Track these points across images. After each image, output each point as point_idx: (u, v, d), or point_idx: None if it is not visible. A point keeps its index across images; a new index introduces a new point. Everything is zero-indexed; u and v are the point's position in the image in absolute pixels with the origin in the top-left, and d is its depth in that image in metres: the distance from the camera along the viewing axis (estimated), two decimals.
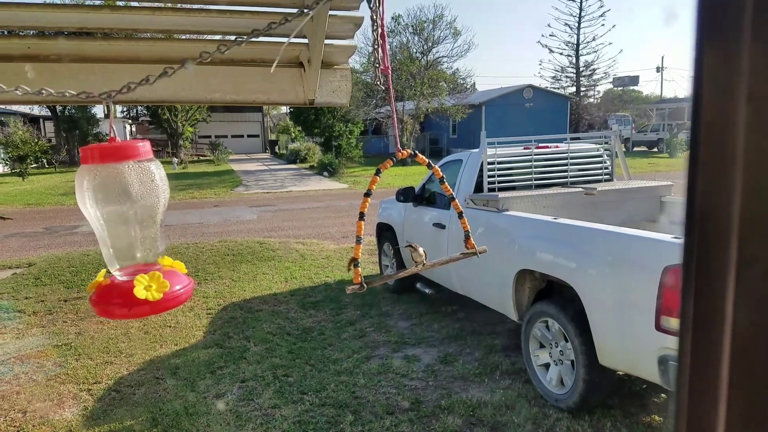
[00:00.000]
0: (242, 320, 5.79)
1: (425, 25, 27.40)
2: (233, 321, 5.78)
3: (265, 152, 43.92)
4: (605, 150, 5.65)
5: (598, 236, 3.60)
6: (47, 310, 6.33)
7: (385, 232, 6.76)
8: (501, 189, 5.02)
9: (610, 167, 5.63)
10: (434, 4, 51.86)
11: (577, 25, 37.51)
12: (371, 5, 1.09)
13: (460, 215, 1.39)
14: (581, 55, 38.26)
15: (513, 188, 5.12)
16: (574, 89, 38.45)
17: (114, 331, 5.54)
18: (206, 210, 14.69)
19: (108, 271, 1.12)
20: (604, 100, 40.02)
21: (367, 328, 5.46)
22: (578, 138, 6.78)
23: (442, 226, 5.27)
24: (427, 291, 5.87)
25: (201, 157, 35.64)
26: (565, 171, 5.38)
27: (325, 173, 23.51)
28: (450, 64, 30.12)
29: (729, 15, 0.39)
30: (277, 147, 41.23)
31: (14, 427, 3.82)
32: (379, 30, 1.07)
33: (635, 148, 34.11)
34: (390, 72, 1.20)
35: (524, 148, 5.40)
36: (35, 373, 4.69)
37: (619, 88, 46.11)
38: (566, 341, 3.75)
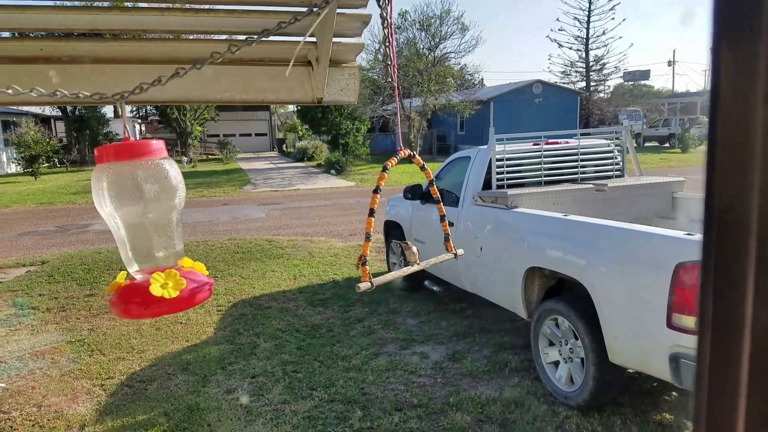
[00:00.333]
0: (252, 317, 5.83)
1: (432, 20, 27.29)
2: (243, 318, 5.82)
3: (273, 150, 44.05)
4: (616, 145, 5.62)
5: (609, 233, 3.58)
6: (60, 306, 6.40)
7: (393, 230, 6.77)
8: (510, 186, 5.01)
9: (621, 163, 5.59)
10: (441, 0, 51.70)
11: (586, 19, 37.25)
12: (380, 3, 1.09)
13: (442, 218, 1.44)
14: (591, 50, 37.99)
15: (522, 185, 5.10)
16: (584, 84, 38.19)
17: (126, 327, 5.60)
18: (215, 208, 14.77)
19: (128, 273, 1.13)
20: (614, 95, 39.73)
21: (376, 325, 5.48)
22: (588, 133, 6.74)
23: (451, 224, 5.26)
24: (435, 288, 5.87)
25: (210, 156, 35.81)
26: (576, 167, 5.35)
27: (333, 171, 23.53)
28: (457, 60, 29.97)
29: (746, 15, 0.39)
30: (284, 145, 41.33)
31: (30, 421, 3.88)
32: (389, 28, 1.08)
33: (646, 144, 33.83)
34: (396, 70, 1.21)
35: (533, 144, 5.37)
36: (50, 368, 4.76)
37: (630, 83, 45.74)
38: (576, 339, 3.74)
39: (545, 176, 5.22)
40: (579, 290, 3.70)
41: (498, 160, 4.98)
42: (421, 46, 27.59)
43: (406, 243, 1.43)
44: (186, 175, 23.17)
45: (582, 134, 5.99)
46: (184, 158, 29.61)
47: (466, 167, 5.34)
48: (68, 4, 1.60)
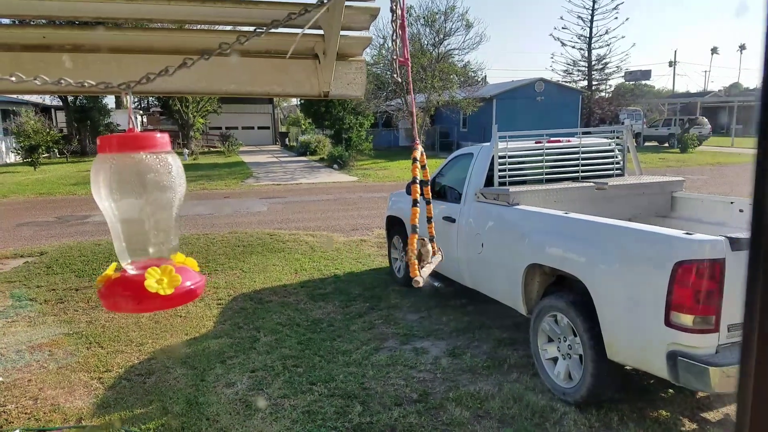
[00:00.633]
0: (252, 311, 5.83)
1: (437, 16, 27.20)
2: (243, 312, 5.82)
3: (276, 144, 43.97)
4: (617, 145, 5.62)
5: (609, 231, 3.59)
6: (58, 298, 6.40)
7: (395, 226, 6.76)
8: (512, 183, 5.01)
9: (621, 162, 5.59)
10: None
11: (590, 17, 37.13)
12: None
13: (429, 220, 1.45)
14: (593, 49, 37.89)
15: (524, 182, 5.10)
16: (585, 83, 38.11)
17: (125, 320, 5.59)
18: (217, 201, 14.75)
19: (118, 265, 1.12)
20: (615, 95, 39.62)
21: (376, 320, 5.48)
22: (590, 132, 6.73)
23: (453, 220, 5.26)
24: (436, 284, 5.87)
25: (212, 149, 35.75)
26: (577, 165, 5.35)
27: (335, 166, 23.50)
28: (461, 57, 29.93)
29: None
30: (287, 139, 41.26)
31: (26, 414, 3.88)
32: (399, 21, 1.07)
33: (646, 143, 33.82)
34: (410, 64, 1.20)
35: (536, 143, 5.37)
36: (47, 361, 4.75)
37: (631, 83, 45.67)
38: (575, 335, 3.75)
39: (547, 174, 5.22)
40: (578, 287, 3.70)
41: (500, 157, 4.98)
42: (425, 42, 27.50)
43: (423, 239, 1.47)
44: (188, 168, 23.11)
45: (583, 133, 5.99)
46: (186, 150, 29.56)
47: (469, 164, 5.34)
48: None
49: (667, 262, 3.04)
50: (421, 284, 1.34)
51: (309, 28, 1.40)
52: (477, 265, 4.92)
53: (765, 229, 0.41)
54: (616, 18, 50.46)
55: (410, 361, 4.50)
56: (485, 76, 34.55)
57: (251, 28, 1.09)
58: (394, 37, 1.16)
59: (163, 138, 1.02)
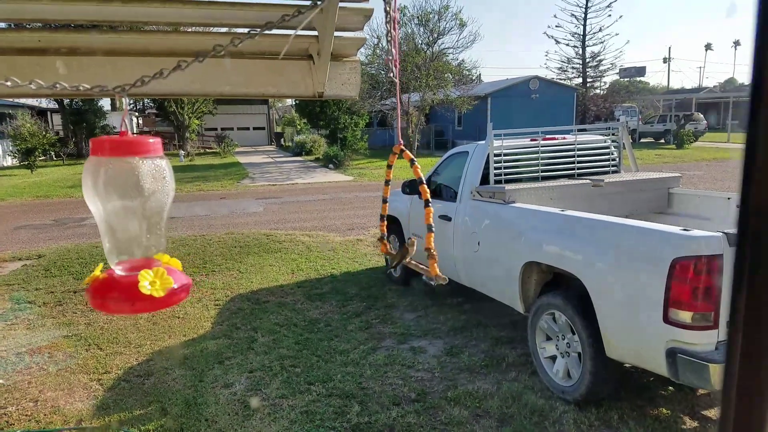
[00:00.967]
0: (250, 311, 5.83)
1: (431, 16, 27.21)
2: (241, 312, 5.82)
3: (271, 144, 43.92)
4: (612, 141, 5.63)
5: (606, 228, 3.60)
6: (57, 301, 6.39)
7: (391, 224, 6.76)
8: (507, 181, 5.01)
9: (617, 159, 5.61)
10: None
11: (583, 15, 37.17)
12: None
13: (429, 228, 1.47)
14: (588, 46, 37.93)
15: (520, 180, 5.11)
16: (580, 80, 38.17)
17: (123, 322, 5.59)
18: (213, 202, 14.73)
19: (105, 265, 1.13)
20: (610, 92, 39.69)
21: (373, 319, 5.49)
22: (585, 129, 6.75)
23: (448, 219, 5.27)
24: (432, 283, 5.87)
25: (207, 150, 35.69)
26: (572, 163, 5.36)
27: (331, 165, 23.49)
28: (455, 56, 29.90)
29: None
30: (282, 139, 41.21)
31: (26, 416, 3.88)
32: (392, 23, 1.07)
33: (642, 140, 33.90)
34: (398, 65, 1.21)
35: (531, 140, 5.38)
36: (46, 363, 4.75)
37: (626, 79, 45.75)
38: (573, 333, 3.76)
39: (543, 171, 5.23)
40: (576, 285, 3.71)
41: (496, 155, 4.98)
42: (420, 42, 27.51)
43: (411, 239, 1.51)
44: (183, 169, 23.05)
45: (579, 130, 6.00)
46: (182, 152, 29.50)
47: (464, 162, 5.35)
48: None
49: (665, 259, 3.05)
50: (445, 282, 1.40)
51: (303, 29, 1.40)
52: (473, 263, 4.93)
53: (751, 222, 0.42)
54: (610, 15, 50.60)
55: (408, 361, 4.51)
56: (480, 75, 34.58)
57: (247, 30, 1.09)
58: (389, 38, 1.17)
59: (156, 143, 1.02)
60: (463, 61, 31.51)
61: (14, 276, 7.55)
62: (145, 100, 40.40)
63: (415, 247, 1.49)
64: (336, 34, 1.40)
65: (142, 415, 3.83)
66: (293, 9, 0.98)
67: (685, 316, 3.00)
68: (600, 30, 43.14)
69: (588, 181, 5.10)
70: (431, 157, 22.55)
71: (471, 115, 28.98)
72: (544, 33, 50.29)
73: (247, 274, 7.31)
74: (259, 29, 0.98)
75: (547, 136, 5.44)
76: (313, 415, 3.72)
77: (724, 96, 40.95)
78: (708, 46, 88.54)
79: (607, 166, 5.54)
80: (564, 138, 5.52)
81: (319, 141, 30.14)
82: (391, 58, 1.17)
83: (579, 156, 5.39)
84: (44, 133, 24.62)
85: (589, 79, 38.40)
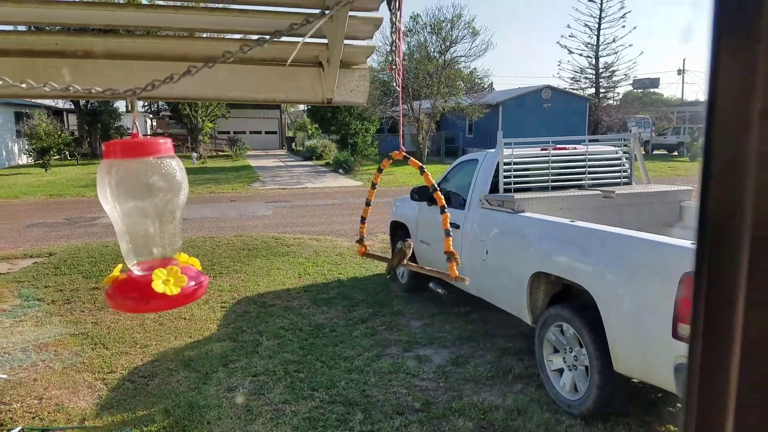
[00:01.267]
0: (255, 314, 5.84)
1: (443, 24, 27.28)
2: (247, 315, 5.84)
3: (282, 149, 44.14)
4: (624, 153, 5.60)
5: (616, 240, 3.57)
6: (65, 299, 6.44)
7: (399, 231, 6.76)
8: (517, 190, 4.99)
9: (628, 170, 5.57)
10: (453, 4, 51.65)
11: (597, 26, 37.08)
12: (391, 7, 1.09)
13: (447, 233, 1.38)
14: (601, 57, 37.81)
15: (529, 189, 5.09)
16: (593, 91, 38.03)
17: (130, 321, 5.62)
18: (223, 204, 14.81)
19: (124, 266, 1.14)
20: (623, 102, 39.49)
21: (379, 326, 5.47)
22: (597, 140, 6.72)
23: (457, 226, 5.25)
24: (439, 291, 5.86)
25: (219, 153, 35.92)
26: (583, 173, 5.33)
27: (341, 170, 23.55)
28: (467, 64, 29.93)
29: (744, 27, 0.40)
30: (293, 144, 41.41)
31: (30, 413, 3.90)
32: (397, 33, 1.08)
33: (655, 152, 33.67)
34: (401, 74, 1.21)
35: (541, 149, 5.36)
36: (52, 361, 4.78)
37: (639, 91, 45.51)
38: (581, 346, 3.72)
39: (553, 181, 5.21)
40: (585, 297, 3.68)
41: (506, 164, 4.97)
42: (432, 50, 27.57)
43: (408, 241, 1.49)
44: (195, 171, 23.19)
45: (590, 140, 5.97)
46: (194, 154, 29.71)
47: (474, 170, 5.33)
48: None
49: (675, 273, 3.01)
50: (467, 281, 1.38)
51: (314, 37, 1.41)
52: (481, 272, 4.91)
53: (708, 227, 0.44)
54: (624, 26, 50.34)
55: (413, 369, 4.49)
56: (491, 83, 34.55)
57: (257, 36, 1.10)
58: (393, 48, 1.18)
59: (166, 143, 1.04)
60: (475, 69, 31.55)
61: (25, 273, 7.62)
62: (160, 103, 40.82)
63: (411, 250, 1.48)
64: (346, 42, 1.41)
65: (145, 416, 3.84)
66: (302, 18, 0.99)
67: None
68: (614, 40, 43.04)
69: (599, 192, 5.06)
70: (441, 165, 22.55)
71: (482, 123, 28.96)
72: (558, 42, 50.17)
73: (255, 276, 7.34)
74: (268, 37, 0.98)
75: (558, 146, 5.42)
76: (315, 421, 3.71)
77: None
78: None
79: (619, 178, 5.50)
80: (575, 148, 5.50)
81: (330, 146, 30.24)
82: (395, 67, 1.17)
83: (590, 166, 5.36)
84: (59, 132, 24.94)
85: (602, 90, 38.25)
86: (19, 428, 3.67)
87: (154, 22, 1.54)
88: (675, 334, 3.02)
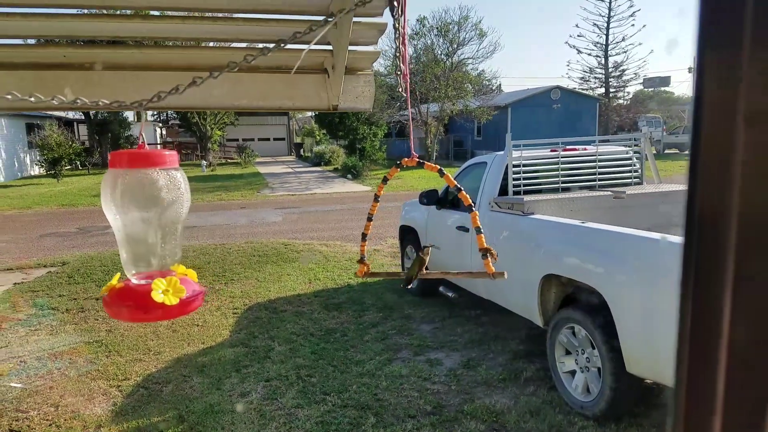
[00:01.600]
0: (267, 320, 5.86)
1: (450, 26, 27.29)
2: (258, 321, 5.86)
3: (291, 155, 44.32)
4: (635, 152, 5.55)
5: (628, 241, 3.54)
6: (79, 307, 6.50)
7: (408, 235, 6.76)
8: (526, 192, 4.97)
9: (639, 170, 5.52)
10: (459, 6, 51.68)
11: (606, 25, 36.91)
12: (394, 13, 1.10)
13: (478, 230, 1.33)
14: (610, 56, 37.62)
15: (539, 191, 5.07)
16: (603, 90, 37.83)
17: (143, 329, 5.66)
18: (233, 212, 14.90)
19: (122, 275, 1.15)
20: (634, 102, 39.25)
21: (390, 330, 5.47)
22: (607, 140, 6.68)
23: (466, 230, 5.24)
24: (450, 294, 5.84)
25: (229, 160, 36.14)
26: (593, 174, 5.30)
27: (349, 176, 23.60)
28: (475, 66, 29.91)
29: (728, 33, 0.41)
30: (302, 150, 41.57)
31: (47, 420, 3.94)
32: (401, 38, 1.09)
33: (666, 151, 33.39)
34: (408, 79, 1.21)
35: (551, 151, 5.34)
36: (67, 369, 4.83)
37: (650, 89, 45.20)
38: (593, 348, 3.70)
39: (563, 183, 5.18)
40: (596, 299, 3.66)
41: (515, 166, 4.95)
42: (439, 52, 27.59)
43: (427, 248, 1.41)
44: (205, 179, 23.34)
45: (600, 141, 5.94)
46: (204, 162, 29.92)
47: (483, 173, 5.32)
48: (94, 11, 1.63)
49: None
50: (498, 278, 1.35)
51: (319, 44, 1.42)
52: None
53: (694, 229, 0.44)
54: (633, 25, 50.13)
55: (424, 373, 4.48)
56: (500, 85, 34.48)
57: (262, 46, 1.11)
58: (397, 54, 1.18)
59: (172, 155, 1.05)
60: (483, 71, 31.52)
61: (39, 282, 7.71)
62: (169, 112, 41.18)
63: (429, 256, 1.43)
64: (350, 48, 1.42)
65: (159, 422, 3.87)
66: (305, 26, 1.00)
67: None
68: (623, 39, 42.73)
69: (609, 192, 5.03)
70: (450, 168, 22.50)
71: (491, 126, 28.91)
72: (566, 42, 50.02)
73: (266, 283, 7.36)
74: (272, 46, 0.99)
75: (568, 147, 5.39)
76: (328, 425, 3.72)
77: None
78: None
79: (629, 178, 5.46)
80: (585, 149, 5.47)
81: (338, 151, 30.33)
82: (400, 73, 1.18)
83: (600, 167, 5.33)
84: (70, 143, 25.21)
85: (611, 89, 38.04)
86: None
87: (160, 33, 1.56)
88: None
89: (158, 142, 39.67)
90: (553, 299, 4.22)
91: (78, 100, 1.01)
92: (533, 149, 5.36)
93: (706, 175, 0.43)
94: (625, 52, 46.28)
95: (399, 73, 1.18)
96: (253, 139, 41.95)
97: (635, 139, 5.77)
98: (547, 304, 4.23)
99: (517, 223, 4.62)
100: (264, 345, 5.18)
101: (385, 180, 1.40)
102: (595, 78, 38.69)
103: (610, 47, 37.31)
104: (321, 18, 1.10)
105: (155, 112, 39.94)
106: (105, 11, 1.58)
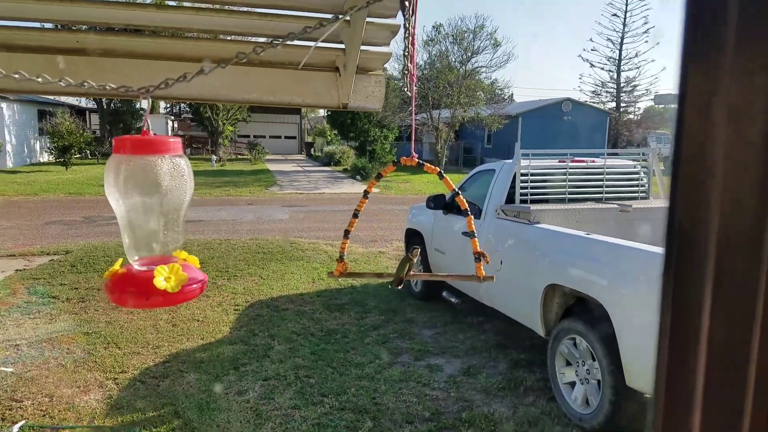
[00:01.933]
0: (268, 318, 5.85)
1: (466, 35, 27.32)
2: (259, 318, 5.85)
3: (301, 154, 44.44)
4: (642, 167, 5.53)
5: (632, 254, 3.52)
6: (80, 297, 6.51)
7: (414, 239, 6.74)
8: (533, 201, 4.95)
9: (646, 185, 5.50)
10: (476, 14, 51.73)
11: (619, 40, 36.85)
12: (405, 13, 1.09)
13: (471, 235, 1.34)
14: (623, 71, 37.56)
15: (546, 201, 5.05)
16: (614, 105, 37.73)
17: (143, 322, 5.66)
18: (240, 207, 14.93)
19: (125, 260, 1.15)
20: (644, 117, 39.16)
21: (391, 334, 5.45)
22: (615, 154, 6.65)
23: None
24: (453, 300, 5.82)
25: (239, 156, 36.27)
26: (600, 186, 5.28)
27: (358, 177, 23.63)
28: (488, 75, 29.93)
29: (711, 41, 0.42)
30: (312, 149, 41.68)
31: (41, 410, 3.94)
32: (410, 38, 1.07)
33: None
34: (415, 79, 1.20)
35: (559, 161, 5.32)
36: (64, 358, 4.83)
37: (661, 106, 45.06)
38: (593, 360, 3.67)
39: (569, 193, 5.16)
40: (599, 310, 3.63)
41: (522, 174, 4.93)
42: (453, 59, 27.60)
43: (414, 250, 1.41)
44: (214, 174, 23.39)
45: (609, 154, 5.91)
46: (214, 157, 30.03)
47: (490, 180, 5.31)
48: None
49: None
50: (486, 282, 1.36)
51: (332, 42, 1.41)
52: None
53: (675, 232, 0.46)
54: (646, 42, 49.97)
55: (423, 378, 4.45)
56: (512, 94, 34.47)
57: (270, 39, 1.10)
58: (406, 53, 1.17)
59: (175, 142, 1.04)
60: (495, 80, 31.51)
61: (41, 270, 7.74)
62: (182, 105, 41.40)
63: (417, 257, 1.42)
64: (362, 48, 1.41)
65: (155, 417, 3.86)
66: (315, 21, 0.99)
67: None
68: (636, 55, 42.69)
69: (615, 205, 5.00)
70: (459, 174, 22.50)
71: (501, 134, 28.88)
72: (579, 56, 49.85)
73: (269, 280, 7.36)
74: (280, 39, 0.98)
75: (576, 159, 5.37)
76: (324, 428, 3.70)
77: None
78: None
79: (636, 192, 5.44)
80: (593, 161, 5.45)
81: (348, 152, 30.37)
82: (407, 72, 1.16)
83: (607, 180, 5.30)
84: (81, 131, 25.33)
85: (622, 104, 37.94)
86: (21, 423, 3.70)
87: (175, 23, 1.56)
88: None
89: (169, 134, 39.88)
90: (555, 309, 4.19)
91: (85, 83, 1.00)
92: (542, 159, 5.35)
93: (688, 176, 0.44)
94: (637, 68, 46.22)
95: (406, 72, 1.17)
96: (264, 137, 42.08)
97: (643, 154, 5.75)
98: (549, 314, 4.20)
99: (522, 232, 4.60)
100: (264, 343, 5.16)
101: (378, 176, 1.38)
102: (607, 92, 38.63)
103: (622, 62, 37.23)
104: (333, 15, 1.09)
105: (168, 105, 40.15)
106: None
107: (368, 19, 1.31)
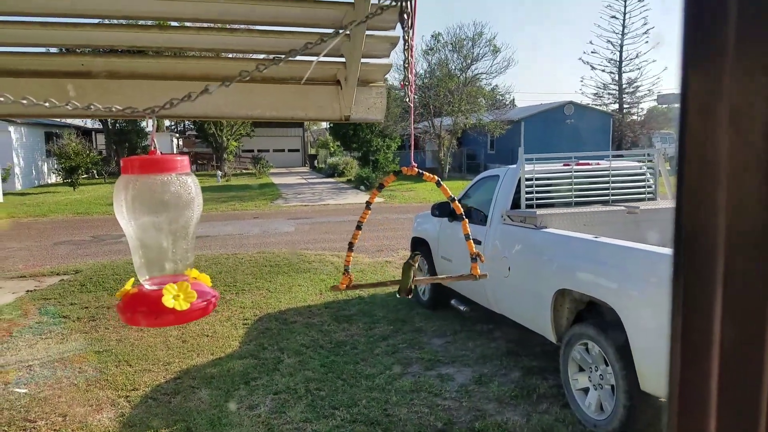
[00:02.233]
0: (277, 331, 5.85)
1: (465, 42, 27.45)
2: (268, 332, 5.84)
3: (305, 166, 44.62)
4: (648, 168, 5.51)
5: (641, 256, 3.49)
6: (90, 316, 6.54)
7: (420, 247, 6.73)
8: (539, 206, 4.94)
9: (653, 186, 5.48)
10: (474, 22, 51.94)
11: (620, 42, 36.89)
12: (404, 26, 1.10)
13: (467, 237, 1.41)
14: (624, 72, 37.55)
15: (552, 205, 5.03)
16: (616, 106, 37.70)
17: (153, 339, 5.67)
18: (246, 221, 14.97)
19: (136, 280, 1.15)
20: (647, 118, 39.09)
21: (400, 344, 5.43)
22: (621, 155, 6.64)
23: (478, 242, 5.21)
24: (462, 308, 5.80)
25: (244, 171, 36.46)
26: (607, 188, 5.26)
27: (362, 187, 23.68)
28: (489, 81, 30.00)
29: (711, 46, 0.42)
30: (316, 161, 41.85)
31: (54, 430, 3.94)
32: (409, 50, 1.09)
33: None
34: (414, 89, 1.22)
35: (564, 165, 5.31)
36: (76, 377, 4.84)
37: (664, 106, 45.00)
38: (606, 365, 3.63)
39: (576, 197, 5.14)
40: (610, 315, 3.60)
41: (527, 179, 4.92)
42: (453, 67, 27.71)
43: (415, 257, 1.44)
44: (220, 189, 23.50)
45: (614, 156, 5.90)
46: (219, 172, 30.21)
47: (495, 186, 5.30)
48: (114, 22, 1.66)
49: None
50: (482, 279, 1.39)
51: (332, 56, 1.43)
52: (503, 289, 4.85)
53: (683, 235, 0.46)
54: (647, 42, 50.06)
55: (435, 388, 4.43)
56: (513, 99, 34.53)
57: (273, 56, 1.11)
58: (405, 64, 1.19)
59: (183, 160, 1.05)
60: (496, 86, 31.59)
61: (51, 290, 7.78)
62: (186, 123, 41.73)
63: (417, 264, 1.44)
64: (363, 60, 1.42)
65: None
66: (316, 37, 1.00)
67: None
68: (637, 56, 42.71)
69: (623, 207, 4.98)
70: (463, 180, 22.49)
71: (504, 139, 28.91)
72: (580, 59, 49.95)
73: (276, 293, 7.36)
74: (283, 56, 0.99)
75: (581, 162, 5.36)
76: None
77: None
78: None
79: (643, 193, 5.41)
80: (598, 163, 5.44)
81: (352, 163, 30.46)
82: (407, 83, 1.18)
83: (613, 182, 5.29)
84: (88, 152, 25.57)
85: (625, 105, 37.91)
86: None
87: (178, 43, 1.57)
88: None
89: (174, 152, 40.16)
90: (566, 315, 4.16)
91: (92, 106, 1.02)
92: (546, 163, 5.34)
93: (694, 179, 0.44)
94: (639, 68, 46.20)
95: (406, 83, 1.18)
96: (268, 150, 42.32)
97: (649, 155, 5.73)
98: (560, 320, 4.17)
99: (529, 237, 4.58)
100: (273, 357, 5.16)
101: (380, 187, 1.40)
102: (609, 94, 38.62)
103: (623, 64, 37.24)
104: (334, 31, 1.10)
105: (172, 123, 40.45)
106: (123, 21, 1.60)
107: (368, 32, 1.32)
